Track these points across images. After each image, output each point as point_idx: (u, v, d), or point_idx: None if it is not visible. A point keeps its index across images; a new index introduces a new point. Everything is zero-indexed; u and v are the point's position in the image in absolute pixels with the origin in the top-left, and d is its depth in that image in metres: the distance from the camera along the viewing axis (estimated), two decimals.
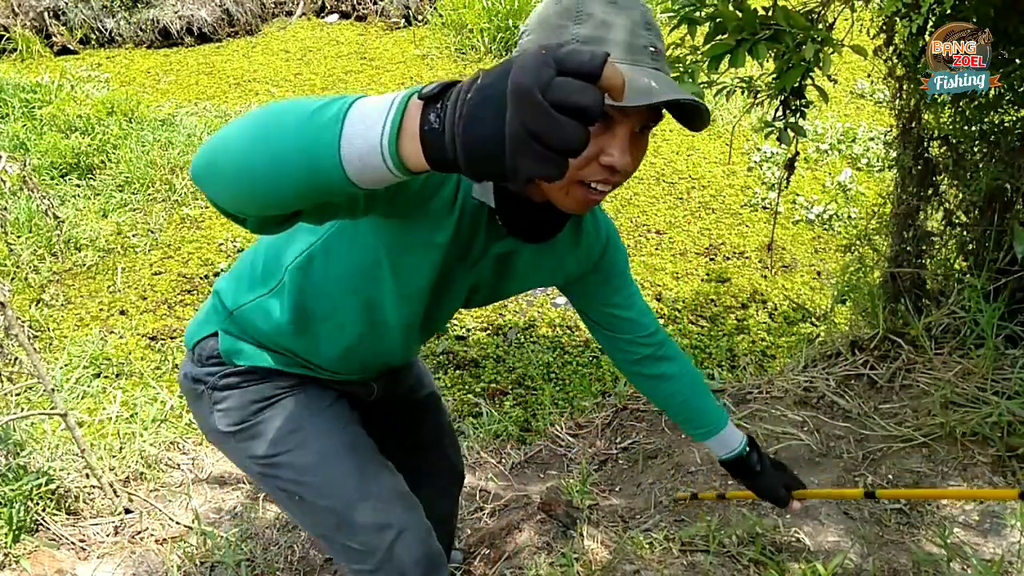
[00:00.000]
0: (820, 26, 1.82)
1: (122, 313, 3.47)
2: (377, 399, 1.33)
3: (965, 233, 2.25)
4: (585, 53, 0.52)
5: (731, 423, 1.36)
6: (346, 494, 1.14)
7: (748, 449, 1.36)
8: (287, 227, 0.72)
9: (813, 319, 3.16)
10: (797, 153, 2.08)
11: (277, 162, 0.60)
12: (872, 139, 4.61)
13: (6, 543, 1.96)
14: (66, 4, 7.11)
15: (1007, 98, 2.06)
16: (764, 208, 4.17)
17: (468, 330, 3.33)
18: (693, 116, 0.84)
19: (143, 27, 7.21)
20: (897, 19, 2.03)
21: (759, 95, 1.91)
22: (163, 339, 3.28)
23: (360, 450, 1.19)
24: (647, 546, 1.84)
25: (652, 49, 0.85)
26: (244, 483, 2.28)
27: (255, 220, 0.69)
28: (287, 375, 1.18)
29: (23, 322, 3.26)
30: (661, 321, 3.31)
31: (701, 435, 1.37)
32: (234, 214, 0.69)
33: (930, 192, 2.21)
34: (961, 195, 2.19)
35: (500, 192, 0.94)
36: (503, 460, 2.30)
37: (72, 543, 2.03)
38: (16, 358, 2.30)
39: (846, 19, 2.10)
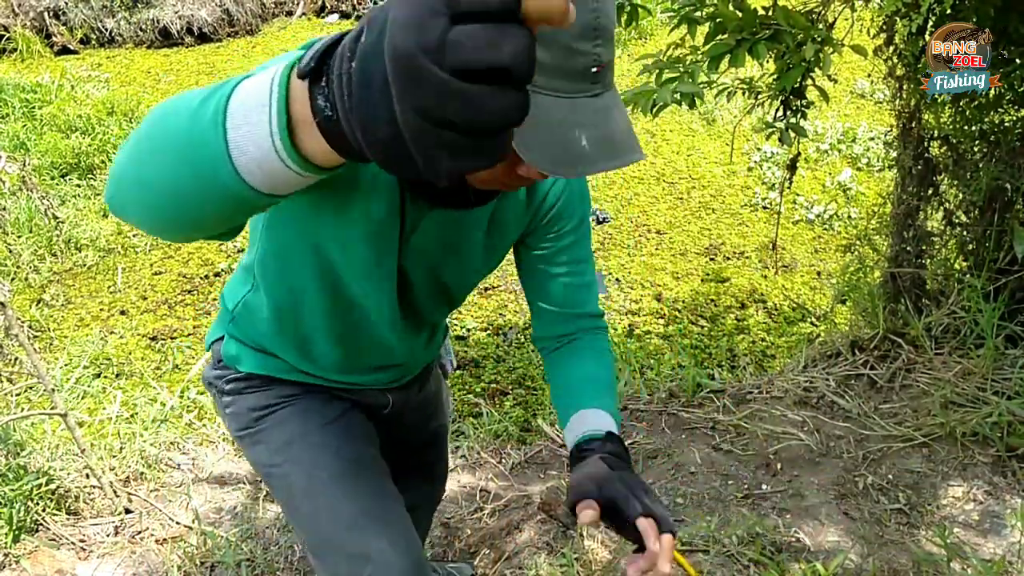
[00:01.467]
0: (820, 26, 1.82)
1: (122, 313, 3.47)
2: (392, 414, 1.27)
3: (965, 233, 2.25)
4: None
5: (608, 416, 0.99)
6: (328, 523, 1.09)
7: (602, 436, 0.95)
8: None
9: (813, 319, 3.16)
10: (799, 153, 2.08)
11: (175, 186, 0.48)
12: (872, 139, 4.61)
13: (6, 543, 1.96)
14: (66, 4, 7.11)
15: (1007, 98, 2.06)
16: (764, 208, 4.17)
17: (468, 330, 3.33)
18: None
19: (143, 27, 7.21)
20: (897, 19, 2.03)
21: (760, 95, 1.91)
22: (163, 339, 3.28)
23: (354, 473, 1.11)
24: None
25: (595, 68, 0.65)
26: (244, 483, 2.28)
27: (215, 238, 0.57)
28: (290, 383, 1.14)
29: (23, 322, 3.26)
30: (661, 321, 3.32)
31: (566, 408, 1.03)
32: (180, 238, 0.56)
33: (930, 192, 2.22)
34: (961, 195, 2.19)
35: None
36: (503, 460, 2.30)
37: (72, 543, 2.03)
38: (16, 358, 2.30)
39: (846, 19, 2.10)
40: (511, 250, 1.09)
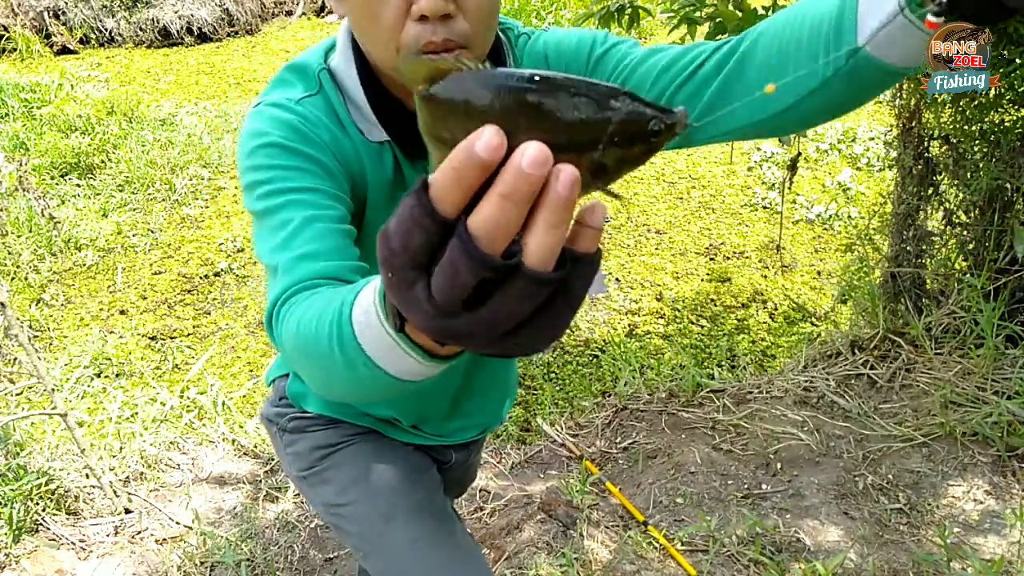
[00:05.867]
0: None
1: (122, 313, 3.47)
2: (444, 470, 1.20)
3: (965, 233, 2.25)
4: None
5: None
6: (404, 566, 1.04)
7: None
8: None
9: (813, 319, 3.16)
10: (799, 153, 2.08)
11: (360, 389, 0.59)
12: (872, 139, 4.61)
13: (6, 543, 1.96)
14: (66, 4, 7.10)
15: (1007, 98, 2.06)
16: (764, 208, 4.17)
17: None
18: None
19: (143, 27, 7.21)
20: None
21: None
22: (163, 339, 3.28)
23: (427, 512, 1.06)
24: (647, 546, 1.84)
25: None
26: (244, 483, 2.28)
27: None
28: (356, 424, 1.09)
29: (22, 322, 3.26)
30: (662, 321, 3.32)
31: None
32: None
33: (930, 192, 2.21)
34: (961, 195, 2.19)
35: (386, 118, 0.83)
36: (503, 460, 2.30)
37: (72, 543, 2.03)
38: (16, 358, 2.30)
39: None
40: None
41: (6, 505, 2.01)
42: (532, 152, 0.34)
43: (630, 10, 1.94)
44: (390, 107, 0.83)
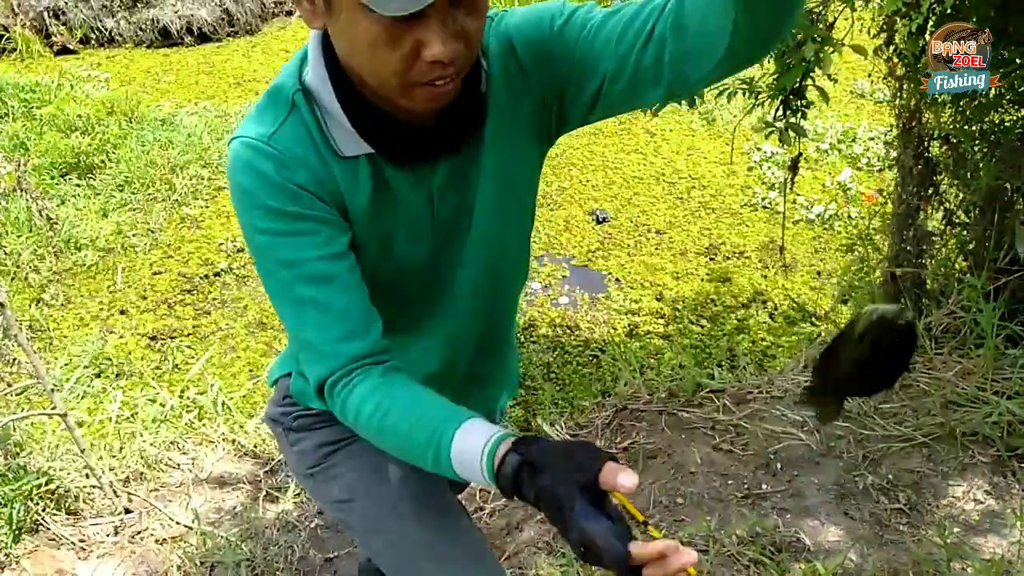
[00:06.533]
0: (820, 25, 1.82)
1: (122, 313, 3.47)
2: None
3: (965, 233, 2.25)
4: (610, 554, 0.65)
5: None
6: (414, 560, 1.04)
7: None
8: None
9: (814, 319, 3.16)
10: (800, 153, 2.08)
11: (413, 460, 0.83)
12: (872, 139, 4.61)
13: (6, 543, 1.96)
14: (66, 4, 7.10)
15: (1007, 97, 2.06)
16: (764, 208, 4.17)
17: None
18: None
19: (143, 27, 7.20)
20: (897, 18, 2.03)
21: (759, 95, 1.90)
22: (163, 339, 3.28)
23: (435, 505, 1.07)
24: None
25: None
26: (244, 483, 2.28)
27: None
28: None
29: (21, 322, 3.26)
30: (662, 321, 3.32)
31: None
32: None
33: (930, 192, 2.22)
34: (961, 195, 2.19)
35: (367, 129, 0.81)
36: None
37: (72, 543, 2.03)
38: (15, 359, 2.31)
39: (846, 18, 2.09)
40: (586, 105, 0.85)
41: (6, 505, 2.01)
42: (687, 555, 0.64)
43: None
44: (373, 118, 0.81)
